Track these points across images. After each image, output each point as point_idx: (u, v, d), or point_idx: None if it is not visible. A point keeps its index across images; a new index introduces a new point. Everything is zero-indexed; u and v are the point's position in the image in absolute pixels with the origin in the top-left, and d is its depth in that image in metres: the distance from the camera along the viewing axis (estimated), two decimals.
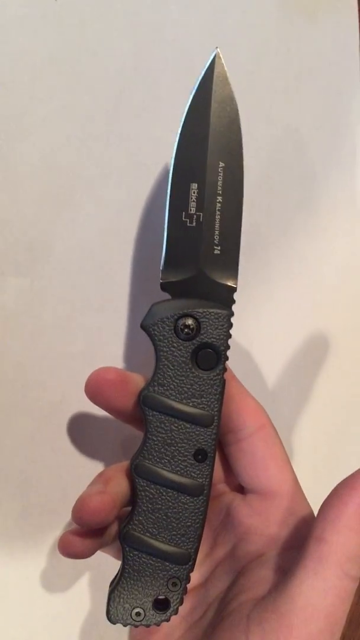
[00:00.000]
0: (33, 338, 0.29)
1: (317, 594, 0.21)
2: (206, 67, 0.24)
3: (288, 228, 0.36)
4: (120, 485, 0.24)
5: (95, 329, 0.30)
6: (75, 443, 0.30)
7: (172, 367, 0.24)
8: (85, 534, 0.24)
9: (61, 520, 0.30)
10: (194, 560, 0.24)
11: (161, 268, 0.25)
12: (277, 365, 0.36)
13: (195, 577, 0.26)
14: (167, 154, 0.30)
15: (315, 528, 0.22)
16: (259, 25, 0.35)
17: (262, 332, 0.35)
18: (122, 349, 0.31)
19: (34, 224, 0.28)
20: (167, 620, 0.24)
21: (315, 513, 0.23)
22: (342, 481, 0.22)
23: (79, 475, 0.30)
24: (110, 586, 0.24)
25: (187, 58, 0.31)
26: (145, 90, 0.30)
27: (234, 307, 0.25)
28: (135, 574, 0.24)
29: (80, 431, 0.30)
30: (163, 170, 0.31)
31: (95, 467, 0.31)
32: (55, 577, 0.30)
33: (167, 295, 0.25)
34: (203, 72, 0.24)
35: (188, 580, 0.24)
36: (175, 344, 0.24)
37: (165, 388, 0.24)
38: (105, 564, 0.27)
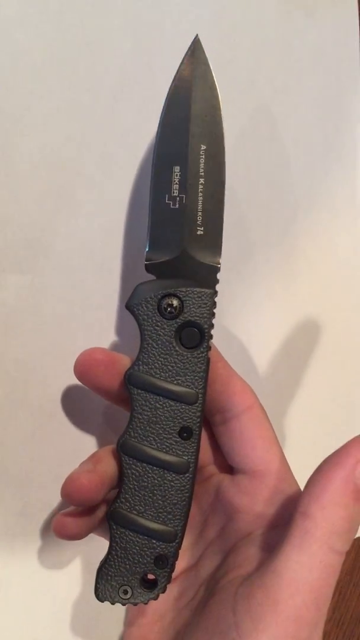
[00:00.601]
0: (33, 335, 0.29)
1: (302, 569, 0.21)
2: (187, 53, 0.25)
3: (288, 226, 0.36)
4: (109, 466, 0.25)
5: (96, 325, 0.30)
6: (76, 440, 0.30)
7: (156, 346, 0.24)
8: (77, 515, 0.24)
9: None
10: (181, 538, 0.24)
11: (146, 250, 0.25)
12: (278, 362, 0.36)
13: (187, 559, 0.26)
14: None
15: (301, 503, 0.22)
16: (259, 22, 0.35)
17: (262, 329, 0.35)
18: (122, 345, 0.31)
19: (35, 222, 0.29)
20: (155, 598, 0.24)
21: None
22: (327, 457, 0.22)
23: None
24: (100, 564, 0.25)
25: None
26: (145, 87, 0.31)
27: (221, 288, 0.25)
28: (123, 552, 0.24)
29: (82, 428, 0.31)
30: None
31: None
32: (57, 574, 0.30)
33: (152, 277, 0.25)
34: (184, 59, 0.25)
35: (176, 557, 0.24)
36: (159, 323, 0.24)
37: (149, 367, 0.24)
38: (99, 547, 0.28)
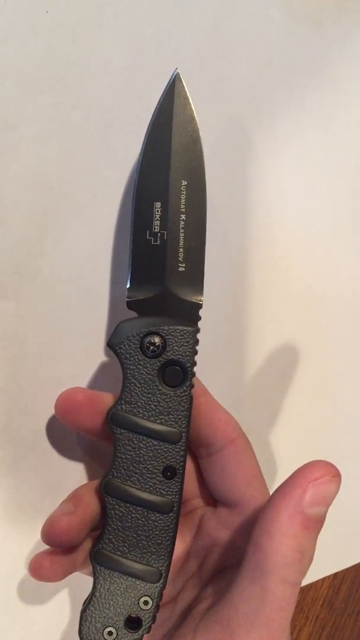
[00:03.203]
0: (17, 363, 0.28)
1: (256, 602, 0.21)
2: (166, 87, 0.25)
3: (288, 247, 0.35)
4: (91, 505, 0.24)
5: (83, 353, 0.29)
6: (59, 471, 0.30)
7: (139, 385, 0.24)
8: (55, 556, 0.24)
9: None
10: (166, 577, 0.24)
11: (127, 286, 0.25)
12: (273, 386, 0.35)
13: (168, 592, 0.26)
14: None
15: (253, 535, 0.22)
16: (261, 35, 0.33)
17: (256, 353, 0.35)
18: (109, 373, 0.30)
19: (20, 246, 0.28)
20: (140, 639, 0.24)
21: None
22: (276, 489, 0.22)
23: None
24: (83, 604, 0.24)
25: (185, 70, 0.28)
26: (139, 105, 0.29)
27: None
28: (107, 593, 0.24)
29: (65, 459, 0.30)
30: None
31: None
32: (37, 608, 0.30)
33: (134, 314, 0.25)
34: (163, 93, 0.25)
35: (160, 598, 0.24)
36: (141, 362, 0.24)
37: (132, 406, 0.24)
38: (86, 580, 0.27)
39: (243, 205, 0.33)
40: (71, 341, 0.29)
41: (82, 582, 0.28)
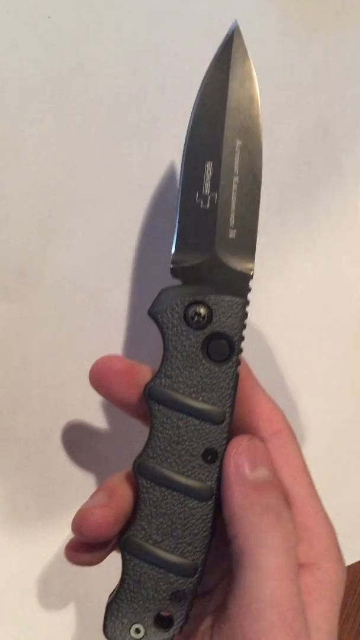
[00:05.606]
0: (22, 365, 0.28)
1: (255, 587, 0.20)
2: (224, 41, 0.23)
3: (287, 247, 0.34)
4: (125, 497, 0.22)
5: (87, 355, 0.28)
6: (64, 472, 0.29)
7: (181, 358, 0.22)
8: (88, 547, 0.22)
9: (51, 551, 0.29)
10: (202, 572, 0.22)
11: (172, 251, 0.23)
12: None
13: (203, 585, 0.24)
14: (163, 176, 0.29)
15: (228, 531, 0.21)
16: (259, 39, 0.32)
17: (263, 357, 0.33)
18: None
19: (25, 249, 0.28)
20: (170, 639, 0.21)
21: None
22: None
23: (69, 505, 0.28)
24: (109, 597, 0.22)
25: (185, 75, 0.29)
26: (141, 110, 0.29)
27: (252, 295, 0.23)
28: (136, 585, 0.22)
29: (70, 460, 0.29)
30: (158, 192, 0.29)
31: (84, 497, 0.29)
32: (53, 612, 0.29)
33: (177, 282, 0.23)
34: (221, 46, 0.23)
35: (194, 594, 0.22)
36: (185, 333, 0.22)
37: (172, 380, 0.22)
38: (94, 595, 0.26)
39: None
40: (74, 344, 0.29)
41: (88, 597, 0.28)
